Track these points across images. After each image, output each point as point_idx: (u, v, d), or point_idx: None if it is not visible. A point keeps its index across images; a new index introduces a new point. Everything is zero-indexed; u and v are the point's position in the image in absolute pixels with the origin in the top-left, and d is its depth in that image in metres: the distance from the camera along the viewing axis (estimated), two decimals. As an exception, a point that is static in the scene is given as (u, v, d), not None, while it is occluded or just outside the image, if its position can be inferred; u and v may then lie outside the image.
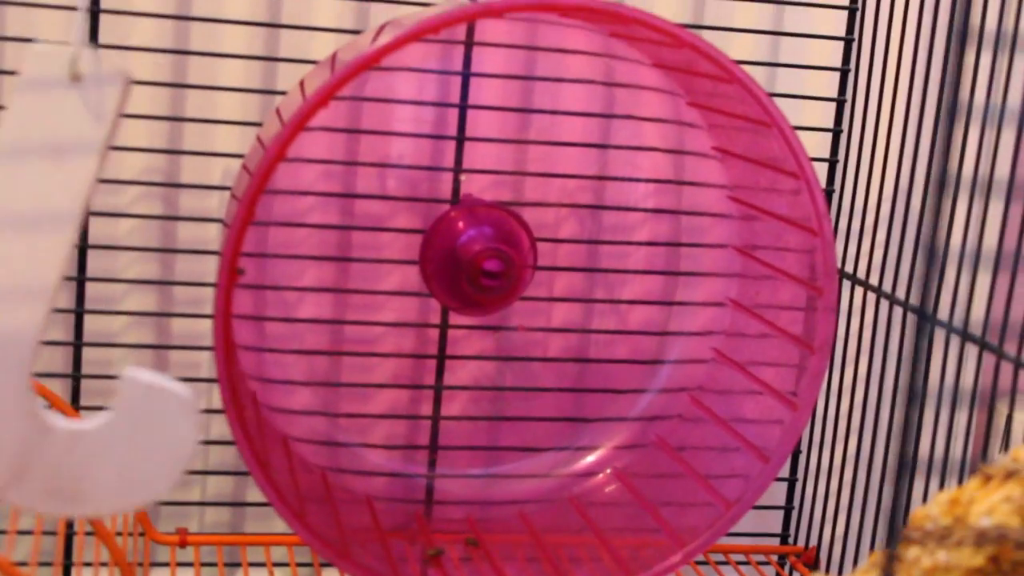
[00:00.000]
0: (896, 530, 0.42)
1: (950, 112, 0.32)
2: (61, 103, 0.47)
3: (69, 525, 0.84)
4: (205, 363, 0.90)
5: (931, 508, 0.51)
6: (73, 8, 0.81)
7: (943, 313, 0.77)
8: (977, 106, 0.74)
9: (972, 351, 0.74)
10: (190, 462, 0.50)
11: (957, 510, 0.51)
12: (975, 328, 0.74)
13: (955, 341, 0.74)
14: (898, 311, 0.83)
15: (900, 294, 0.83)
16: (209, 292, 0.91)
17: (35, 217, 0.48)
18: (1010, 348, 0.67)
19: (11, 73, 0.81)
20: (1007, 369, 0.67)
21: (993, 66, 0.71)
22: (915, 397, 0.32)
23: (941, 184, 0.32)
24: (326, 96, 0.65)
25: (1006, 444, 0.69)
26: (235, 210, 0.66)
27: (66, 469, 0.49)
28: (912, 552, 0.50)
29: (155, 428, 0.49)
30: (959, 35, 0.33)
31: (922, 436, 0.78)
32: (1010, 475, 0.51)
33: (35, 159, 0.47)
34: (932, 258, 0.32)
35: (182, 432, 0.49)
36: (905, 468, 0.31)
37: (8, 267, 0.49)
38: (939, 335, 0.76)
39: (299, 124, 0.65)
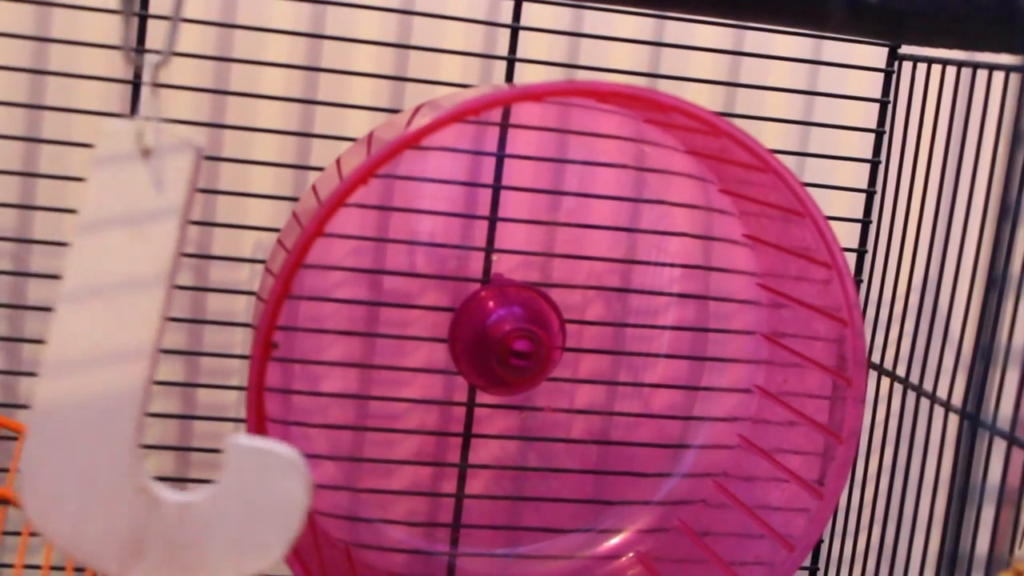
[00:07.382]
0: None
1: (1003, 213, 0.32)
2: (133, 177, 0.48)
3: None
4: (229, 433, 0.90)
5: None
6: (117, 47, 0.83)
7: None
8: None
9: (1001, 445, 0.73)
10: (303, 522, 0.49)
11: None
12: (1004, 423, 0.74)
13: (995, 440, 0.74)
14: (925, 403, 0.83)
15: (927, 386, 0.83)
16: (235, 363, 0.91)
17: (121, 286, 0.48)
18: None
19: (57, 110, 0.81)
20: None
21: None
22: (965, 499, 0.33)
23: (999, 282, 0.32)
24: (366, 173, 0.65)
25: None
26: (271, 284, 0.66)
27: (181, 541, 0.49)
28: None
29: (265, 492, 0.49)
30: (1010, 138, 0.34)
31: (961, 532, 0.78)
32: (1045, 573, 0.51)
33: (116, 231, 0.48)
34: (987, 361, 0.32)
35: (292, 493, 0.49)
36: (957, 568, 0.31)
37: (100, 336, 0.48)
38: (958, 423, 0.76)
39: (339, 200, 0.65)
